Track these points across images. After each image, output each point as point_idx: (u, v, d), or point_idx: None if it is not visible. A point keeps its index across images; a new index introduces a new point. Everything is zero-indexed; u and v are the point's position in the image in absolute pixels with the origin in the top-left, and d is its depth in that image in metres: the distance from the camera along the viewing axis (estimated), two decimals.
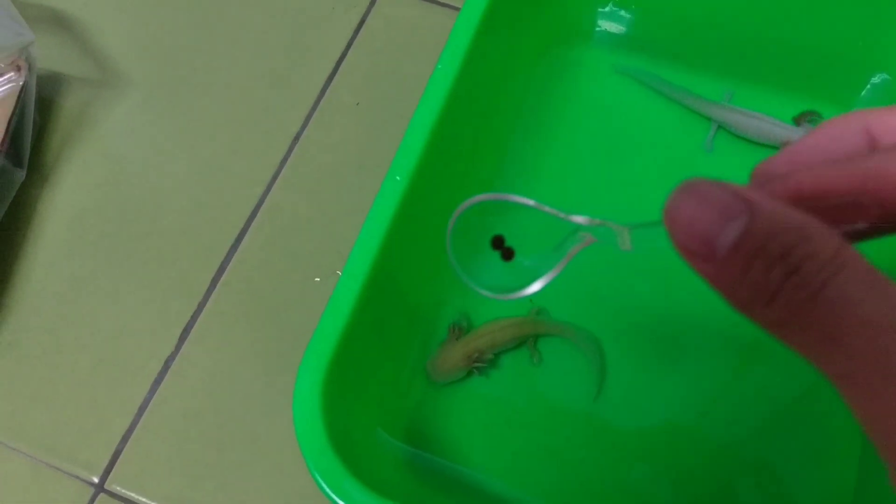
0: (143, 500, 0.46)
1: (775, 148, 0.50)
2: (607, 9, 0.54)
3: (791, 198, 0.21)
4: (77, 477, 0.47)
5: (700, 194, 0.19)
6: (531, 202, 0.26)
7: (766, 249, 0.18)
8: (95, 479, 0.46)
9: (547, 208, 0.26)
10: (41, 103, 0.57)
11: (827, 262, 0.18)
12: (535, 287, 0.27)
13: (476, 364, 0.45)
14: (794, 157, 0.24)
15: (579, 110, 0.53)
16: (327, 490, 0.36)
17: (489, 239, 0.28)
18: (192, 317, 0.50)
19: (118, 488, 0.46)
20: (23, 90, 0.52)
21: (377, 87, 0.56)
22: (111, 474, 0.47)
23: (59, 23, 0.60)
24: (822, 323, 0.18)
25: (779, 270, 0.18)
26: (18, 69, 0.52)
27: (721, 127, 0.51)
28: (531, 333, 0.47)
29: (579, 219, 0.26)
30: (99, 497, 0.46)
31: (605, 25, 0.54)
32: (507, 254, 0.35)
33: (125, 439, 0.47)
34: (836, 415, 0.44)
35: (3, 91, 0.52)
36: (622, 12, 0.54)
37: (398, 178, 0.41)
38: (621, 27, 0.54)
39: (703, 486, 0.43)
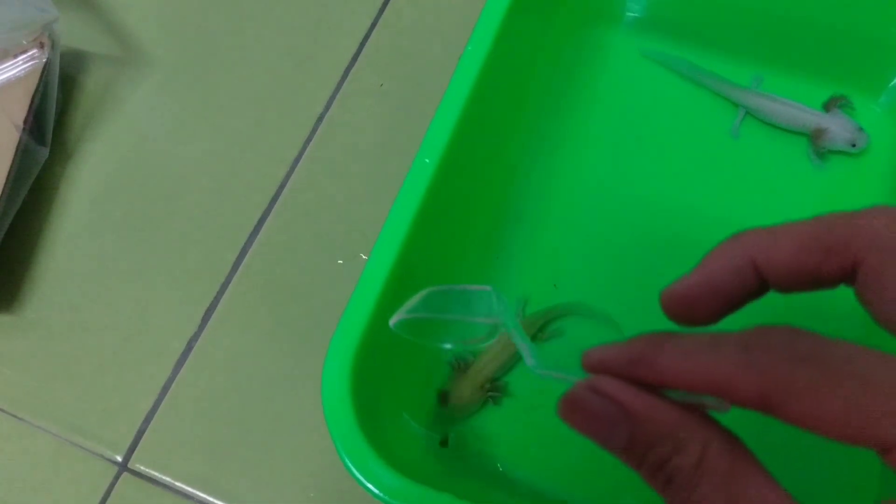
0: (167, 479, 0.46)
1: (804, 135, 0.50)
2: None
3: (658, 385, 0.23)
4: (101, 455, 0.47)
5: (584, 409, 0.23)
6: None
7: (647, 459, 0.22)
8: (119, 458, 0.47)
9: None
10: (64, 81, 0.57)
11: (691, 473, 0.21)
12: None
13: (490, 394, 0.44)
14: (687, 290, 0.25)
15: (606, 93, 0.52)
16: (355, 472, 0.35)
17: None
18: (215, 297, 0.50)
19: (142, 467, 0.46)
20: (46, 67, 0.52)
21: (402, 69, 0.56)
22: (135, 453, 0.47)
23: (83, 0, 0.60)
24: None
25: (660, 477, 0.22)
26: (42, 46, 0.52)
27: (748, 113, 0.51)
28: (533, 334, 0.45)
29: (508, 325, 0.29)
30: (122, 476, 0.46)
31: (635, 9, 0.53)
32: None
33: (149, 419, 0.47)
34: None
35: (26, 68, 0.52)
36: None
37: (427, 160, 0.41)
38: (650, 10, 0.53)
39: None
